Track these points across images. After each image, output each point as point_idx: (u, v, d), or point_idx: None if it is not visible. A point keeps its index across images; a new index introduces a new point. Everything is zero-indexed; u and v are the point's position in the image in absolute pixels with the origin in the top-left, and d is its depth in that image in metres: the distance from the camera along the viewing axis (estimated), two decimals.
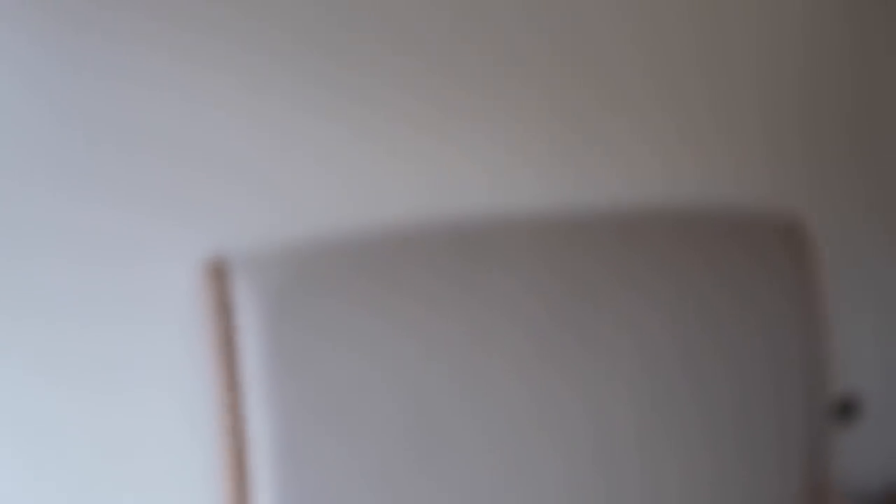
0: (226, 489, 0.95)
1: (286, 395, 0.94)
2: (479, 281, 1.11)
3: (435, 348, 1.06)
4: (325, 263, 1.00)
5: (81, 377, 0.91)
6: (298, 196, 1.06)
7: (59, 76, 0.89)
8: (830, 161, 1.82)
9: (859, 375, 2.03)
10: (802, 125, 1.73)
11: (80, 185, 0.91)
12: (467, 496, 1.08)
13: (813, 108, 1.74)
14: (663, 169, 1.48)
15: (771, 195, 1.69)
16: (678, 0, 1.44)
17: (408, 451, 1.02)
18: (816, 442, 1.58)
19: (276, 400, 0.93)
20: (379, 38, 1.11)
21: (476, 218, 1.18)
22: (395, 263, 1.06)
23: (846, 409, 1.91)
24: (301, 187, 1.07)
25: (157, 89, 0.95)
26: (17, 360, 0.88)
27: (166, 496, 0.96)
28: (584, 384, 1.21)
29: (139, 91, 0.93)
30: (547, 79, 1.29)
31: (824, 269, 1.79)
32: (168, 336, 0.96)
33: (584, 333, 1.22)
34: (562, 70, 1.31)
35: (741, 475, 1.42)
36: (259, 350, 0.93)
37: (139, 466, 0.94)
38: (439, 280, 1.08)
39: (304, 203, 1.07)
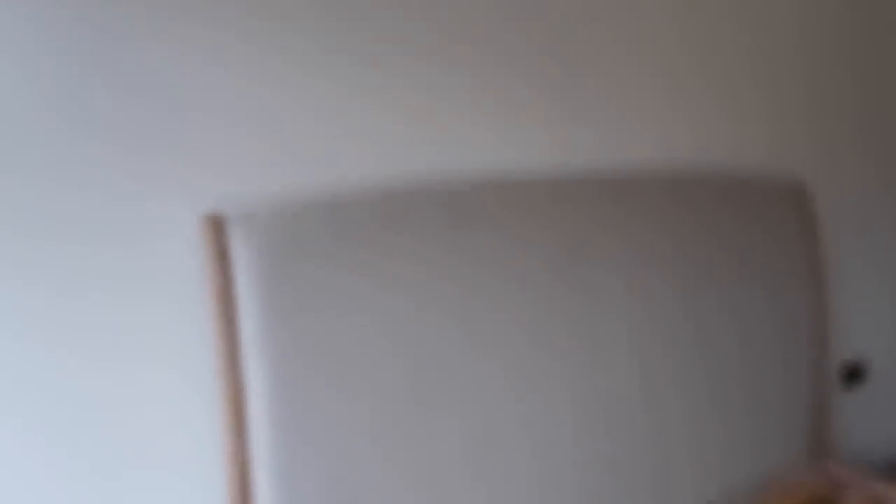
0: (226, 438, 0.96)
1: (283, 347, 0.94)
2: (477, 237, 1.11)
3: (432, 303, 1.06)
4: (323, 220, 1.00)
5: (83, 329, 0.92)
6: (300, 152, 1.07)
7: (62, 25, 0.89)
8: (835, 125, 1.79)
9: (866, 341, 2.01)
10: (806, 89, 1.70)
11: (80, 138, 0.91)
12: (467, 446, 1.08)
13: (816, 72, 1.71)
14: (667, 131, 1.47)
15: (774, 159, 1.66)
16: None
17: (406, 403, 1.03)
18: (820, 404, 1.57)
19: (273, 352, 0.94)
20: None
21: (476, 176, 1.18)
22: (393, 220, 1.06)
23: (852, 374, 1.90)
24: (303, 143, 1.07)
25: (159, 41, 0.95)
26: (19, 309, 0.89)
27: (166, 445, 0.97)
28: (585, 337, 1.21)
29: (141, 42, 0.94)
30: (546, 41, 1.28)
31: (828, 233, 1.75)
32: (168, 288, 0.97)
33: (584, 288, 1.21)
34: (560, 33, 1.30)
35: (746, 432, 1.42)
36: (256, 303, 0.94)
37: (140, 415, 0.95)
38: (436, 236, 1.08)
39: (305, 159, 1.07)
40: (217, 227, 0.95)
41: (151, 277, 0.96)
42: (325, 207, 1.01)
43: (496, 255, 1.12)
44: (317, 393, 0.97)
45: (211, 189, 0.99)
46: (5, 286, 0.88)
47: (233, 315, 0.95)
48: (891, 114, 1.93)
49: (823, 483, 1.40)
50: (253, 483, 0.96)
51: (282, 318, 0.95)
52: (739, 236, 1.42)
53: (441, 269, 1.07)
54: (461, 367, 1.09)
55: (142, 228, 0.95)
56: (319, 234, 0.99)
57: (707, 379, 1.36)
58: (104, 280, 0.93)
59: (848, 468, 1.49)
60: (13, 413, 0.89)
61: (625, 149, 1.40)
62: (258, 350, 0.94)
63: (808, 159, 1.72)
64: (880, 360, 2.08)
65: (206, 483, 1.00)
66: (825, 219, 1.72)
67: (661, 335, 1.30)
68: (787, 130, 1.69)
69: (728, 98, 1.56)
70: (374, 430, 1.01)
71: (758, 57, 1.59)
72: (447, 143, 1.20)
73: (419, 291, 1.05)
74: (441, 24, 1.17)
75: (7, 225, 0.87)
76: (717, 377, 1.37)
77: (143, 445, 0.96)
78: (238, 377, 0.95)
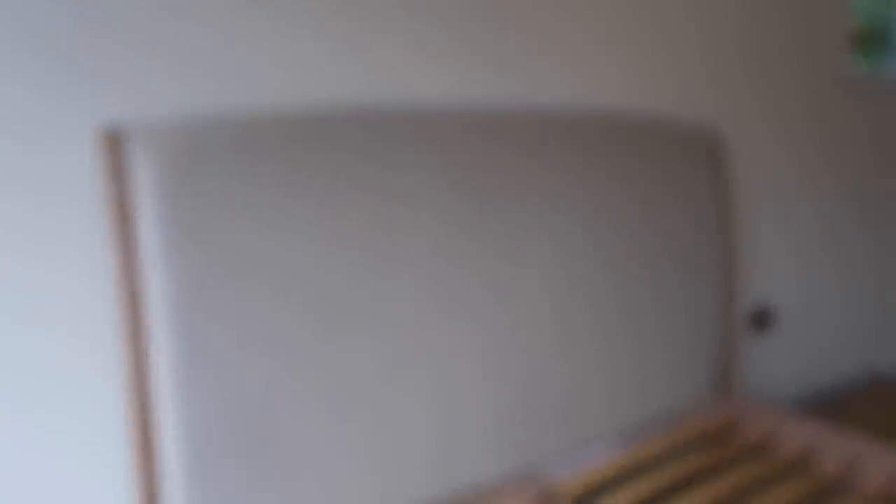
0: (124, 347, 0.96)
1: (182, 261, 0.94)
2: (392, 164, 1.10)
3: (343, 225, 1.05)
4: (224, 138, 0.98)
5: None
6: (210, 73, 1.05)
7: None
8: (740, 75, 1.84)
9: (775, 287, 2.11)
10: (712, 39, 1.75)
11: None
12: (375, 371, 1.08)
13: (717, 23, 1.75)
14: (585, 77, 1.49)
15: (688, 106, 1.70)
16: None
17: (313, 324, 1.02)
18: (728, 343, 1.64)
19: (173, 265, 0.93)
20: None
21: (394, 107, 1.16)
22: (307, 141, 1.04)
23: (761, 318, 1.99)
24: (210, 62, 1.05)
25: None
26: None
27: (65, 354, 0.98)
28: (497, 270, 1.21)
29: None
30: None
31: (738, 182, 1.84)
32: (67, 203, 0.96)
33: (497, 222, 1.21)
34: None
35: (656, 368, 1.46)
36: (155, 217, 0.93)
37: (40, 324, 0.95)
38: (349, 161, 1.06)
39: (216, 80, 1.06)
40: (114, 141, 0.92)
41: (50, 192, 0.95)
42: (232, 126, 1.00)
43: (410, 184, 1.11)
44: (221, 311, 0.97)
45: (116, 105, 0.97)
46: None
47: (132, 232, 0.94)
48: (785, 64, 2.00)
49: (725, 416, 1.47)
50: (154, 401, 0.96)
51: (185, 236, 0.94)
52: (650, 180, 1.44)
53: (353, 193, 1.06)
54: (371, 290, 1.08)
55: (39, 140, 0.94)
56: (225, 151, 0.98)
57: (618, 316, 1.39)
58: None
59: (752, 403, 1.54)
60: None
61: (543, 93, 1.41)
62: (160, 268, 0.93)
63: (717, 107, 1.77)
64: (789, 305, 2.19)
65: (105, 398, 1.00)
66: (735, 165, 1.81)
67: (572, 272, 1.32)
68: (699, 78, 1.73)
69: (638, 45, 1.58)
70: (280, 351, 1.00)
71: (664, 6, 1.62)
72: (366, 72, 1.19)
73: (330, 214, 1.04)
74: None
75: None
76: (628, 315, 1.41)
77: (37, 350, 0.96)
78: (137, 287, 0.95)
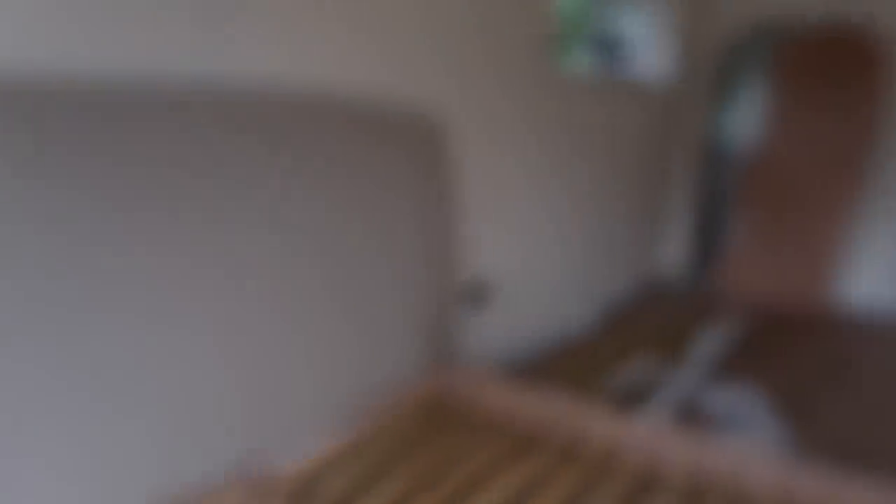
0: None
1: None
2: (126, 139, 1.03)
3: (77, 194, 0.97)
4: None
5: None
6: None
7: None
8: (465, 68, 1.93)
9: (494, 263, 2.28)
10: (438, 33, 1.81)
11: None
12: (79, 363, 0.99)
13: (439, 18, 1.82)
14: (312, 60, 1.47)
15: (409, 96, 1.73)
16: None
17: (46, 296, 0.94)
18: (445, 317, 1.73)
19: None
20: None
21: (112, 82, 1.08)
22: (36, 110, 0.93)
23: (478, 293, 2.17)
24: None
25: None
26: None
27: None
28: (217, 249, 1.18)
29: None
30: None
31: (459, 168, 1.92)
32: None
33: (217, 204, 1.17)
34: None
35: (374, 343, 1.52)
36: None
37: None
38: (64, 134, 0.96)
39: None
40: None
41: None
42: None
43: (103, 165, 1.02)
44: None
45: None
46: None
47: None
48: (507, 58, 2.15)
49: (440, 385, 1.56)
50: None
51: None
52: (366, 165, 1.46)
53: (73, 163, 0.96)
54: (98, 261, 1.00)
55: None
56: None
57: (336, 299, 1.41)
58: None
59: (468, 372, 1.64)
60: None
61: (268, 74, 1.39)
62: None
63: (438, 95, 1.82)
64: (508, 279, 2.40)
65: None
66: (457, 151, 1.89)
67: (289, 257, 1.31)
68: (421, 65, 1.77)
69: (368, 33, 1.60)
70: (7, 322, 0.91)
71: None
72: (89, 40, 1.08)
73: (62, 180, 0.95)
74: None
75: None
76: (345, 296, 1.43)
77: None
78: None
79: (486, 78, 2.10)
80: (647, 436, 1.37)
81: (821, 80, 3.56)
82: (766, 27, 3.72)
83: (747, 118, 3.86)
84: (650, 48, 3.74)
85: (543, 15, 2.34)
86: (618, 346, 3.01)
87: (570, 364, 2.71)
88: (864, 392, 2.65)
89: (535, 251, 2.67)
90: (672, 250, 4.38)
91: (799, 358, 3.02)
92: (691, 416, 2.33)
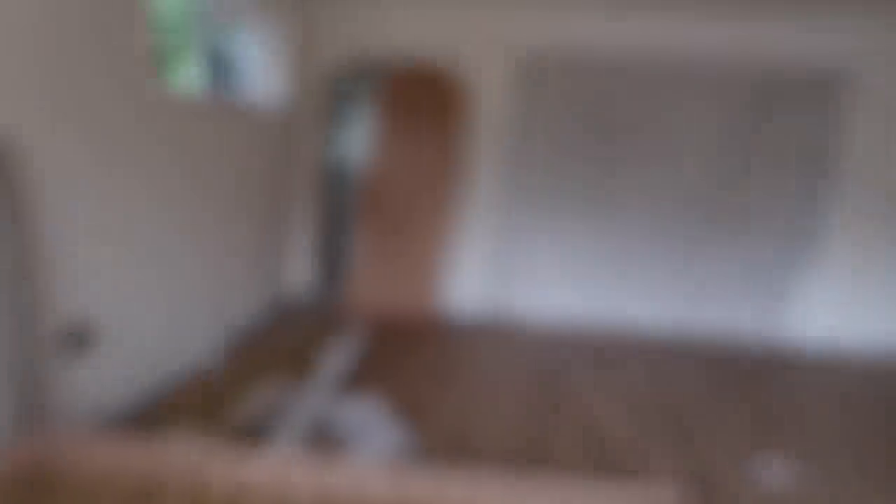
0: None
1: None
2: None
3: None
4: None
5: None
6: None
7: None
8: (43, 91, 1.83)
9: (99, 303, 2.17)
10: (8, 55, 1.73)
11: None
12: None
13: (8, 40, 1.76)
14: None
15: None
16: None
17: None
18: (37, 370, 1.62)
19: None
20: None
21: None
22: None
23: (80, 337, 2.02)
24: None
25: None
26: None
27: None
28: None
29: None
30: None
31: (45, 200, 1.80)
32: None
33: None
34: None
35: None
36: None
37: None
38: None
39: None
40: None
41: None
42: None
43: None
44: None
45: None
46: None
47: None
48: (96, 80, 2.06)
49: (36, 453, 1.41)
50: None
51: None
52: None
53: None
54: None
55: None
56: None
57: None
58: None
59: (71, 429, 1.54)
60: None
61: None
62: None
63: (15, 117, 1.74)
64: (116, 318, 2.30)
65: None
66: (42, 181, 1.78)
67: None
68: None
69: None
70: None
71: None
72: None
73: None
74: None
75: None
76: None
77: None
78: None
79: (76, 98, 1.87)
80: (271, 469, 1.34)
81: (414, 113, 4.04)
82: (367, 61, 4.08)
83: (358, 143, 4.17)
84: (264, 71, 3.77)
85: (140, 27, 2.16)
86: (246, 374, 2.93)
87: (196, 400, 2.55)
88: (466, 389, 3.06)
89: (149, 286, 2.44)
90: (299, 270, 4.47)
91: (414, 364, 3.35)
92: (320, 436, 2.39)
